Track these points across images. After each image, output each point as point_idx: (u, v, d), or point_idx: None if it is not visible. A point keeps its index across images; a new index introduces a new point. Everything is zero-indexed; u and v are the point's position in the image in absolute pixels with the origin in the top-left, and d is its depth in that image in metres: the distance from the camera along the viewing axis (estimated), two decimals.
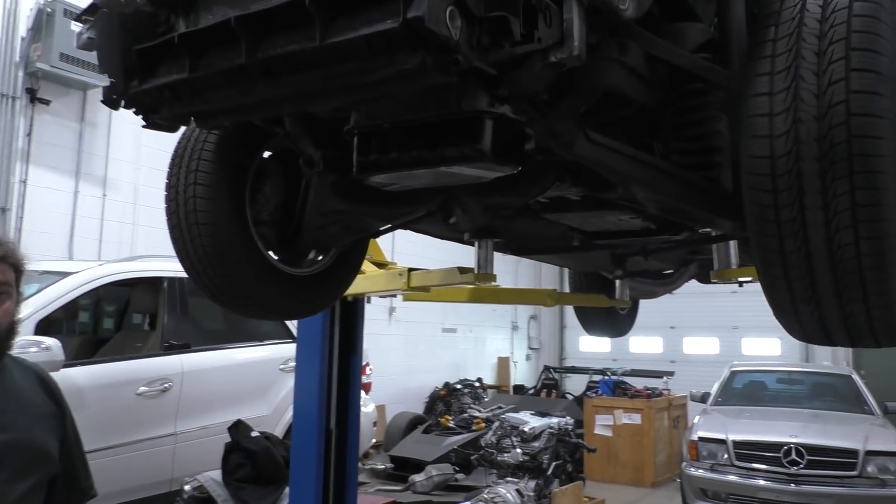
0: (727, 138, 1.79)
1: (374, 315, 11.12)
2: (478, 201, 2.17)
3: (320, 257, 2.48)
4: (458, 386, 11.87)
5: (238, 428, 4.55)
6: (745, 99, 1.47)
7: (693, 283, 4.46)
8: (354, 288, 3.82)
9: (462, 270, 2.87)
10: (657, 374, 10.78)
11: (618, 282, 4.19)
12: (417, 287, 3.13)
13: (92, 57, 7.18)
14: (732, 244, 2.42)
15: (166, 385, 4.83)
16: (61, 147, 7.62)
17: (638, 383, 9.96)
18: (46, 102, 7.43)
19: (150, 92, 1.52)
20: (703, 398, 8.70)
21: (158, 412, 4.79)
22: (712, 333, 14.87)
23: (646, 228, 2.68)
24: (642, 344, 15.04)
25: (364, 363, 6.42)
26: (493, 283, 3.24)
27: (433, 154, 1.51)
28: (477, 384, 12.20)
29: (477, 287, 4.09)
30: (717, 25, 1.81)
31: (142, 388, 4.71)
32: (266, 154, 2.27)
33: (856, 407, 7.99)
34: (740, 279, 2.38)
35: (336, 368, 3.99)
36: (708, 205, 1.79)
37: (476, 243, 2.74)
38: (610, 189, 1.96)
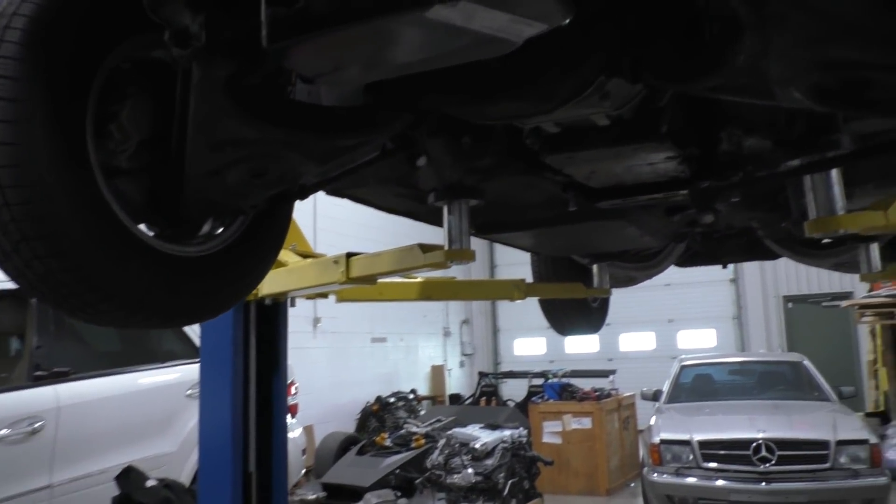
0: None
1: (297, 327, 10.17)
2: (476, 111, 1.37)
3: (220, 229, 1.62)
4: (392, 399, 11.08)
5: (129, 476, 3.57)
6: None
7: None
8: (275, 286, 2.97)
9: (425, 248, 2.06)
10: (602, 374, 10.27)
11: (595, 267, 3.49)
12: (361, 277, 2.32)
13: None
14: (836, 179, 1.70)
15: (36, 424, 3.82)
16: None
17: (583, 385, 9.39)
18: None
19: None
20: (654, 396, 8.26)
21: (26, 460, 3.77)
22: (648, 328, 14.67)
23: (675, 179, 1.97)
24: (577, 344, 14.64)
25: (289, 381, 5.55)
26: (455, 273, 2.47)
27: None
28: (411, 396, 11.43)
29: (428, 280, 3.32)
30: None
31: (2, 431, 3.69)
32: (122, 66, 1.42)
33: (809, 394, 7.80)
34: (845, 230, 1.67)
35: (254, 393, 3.12)
36: None
37: (446, 209, 1.94)
38: (726, 52, 1.12)
